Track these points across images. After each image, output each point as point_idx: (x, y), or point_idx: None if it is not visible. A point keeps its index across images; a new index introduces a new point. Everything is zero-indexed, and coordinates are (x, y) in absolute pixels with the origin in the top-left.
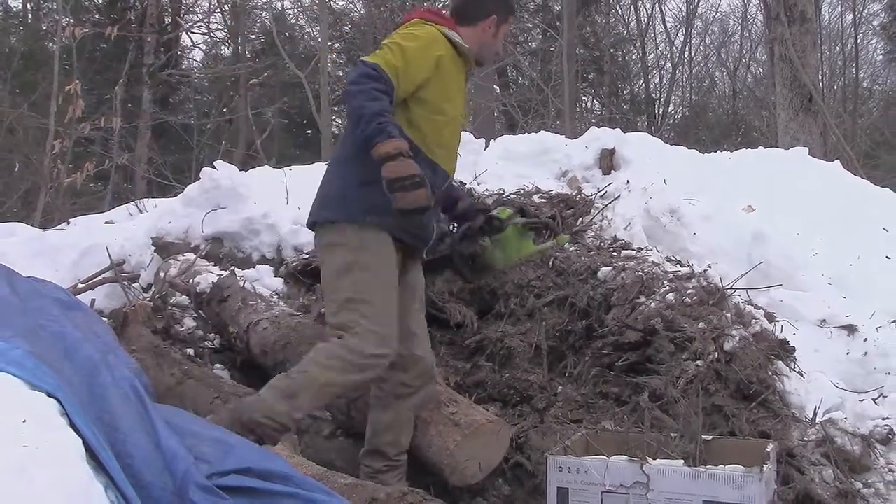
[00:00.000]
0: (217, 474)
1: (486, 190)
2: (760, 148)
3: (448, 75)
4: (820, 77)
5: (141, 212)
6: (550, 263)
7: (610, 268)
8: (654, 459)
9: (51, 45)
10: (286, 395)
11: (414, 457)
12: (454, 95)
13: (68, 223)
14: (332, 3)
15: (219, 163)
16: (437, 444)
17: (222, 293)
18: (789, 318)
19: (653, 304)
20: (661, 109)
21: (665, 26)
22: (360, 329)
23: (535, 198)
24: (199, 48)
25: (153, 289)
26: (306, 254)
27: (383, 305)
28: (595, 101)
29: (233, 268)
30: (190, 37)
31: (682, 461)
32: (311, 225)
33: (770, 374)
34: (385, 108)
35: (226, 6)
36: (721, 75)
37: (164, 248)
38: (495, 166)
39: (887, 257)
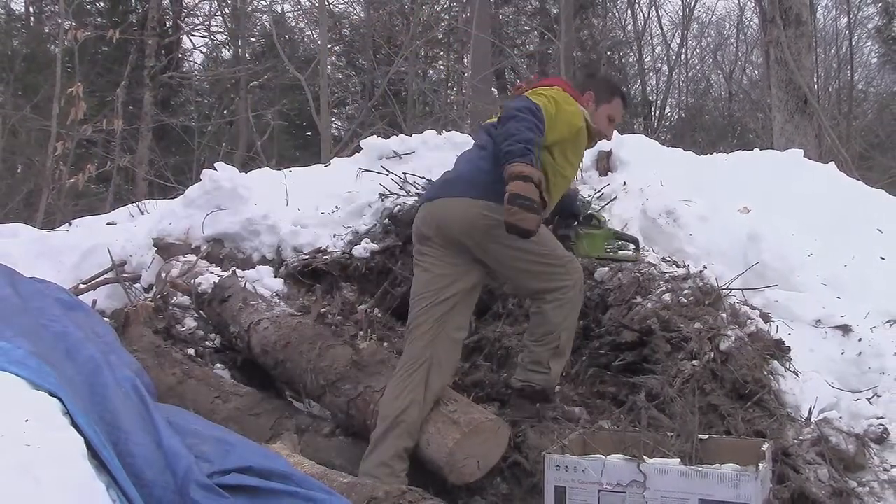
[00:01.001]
0: (218, 473)
1: None
2: (756, 150)
3: (580, 146)
4: (815, 80)
5: (142, 213)
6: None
7: (607, 268)
8: (651, 458)
9: (53, 47)
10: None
11: (412, 455)
12: (575, 163)
13: (70, 224)
14: (331, 6)
15: (219, 164)
16: (436, 443)
17: (223, 293)
18: (784, 318)
19: (649, 305)
20: (657, 112)
21: (661, 29)
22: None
23: None
24: (200, 51)
25: (154, 289)
26: (306, 254)
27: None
28: None
29: (233, 268)
30: (191, 40)
31: (679, 460)
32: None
33: (765, 373)
34: (536, 141)
35: (226, 9)
36: (717, 78)
37: (165, 249)
38: None
39: (881, 258)
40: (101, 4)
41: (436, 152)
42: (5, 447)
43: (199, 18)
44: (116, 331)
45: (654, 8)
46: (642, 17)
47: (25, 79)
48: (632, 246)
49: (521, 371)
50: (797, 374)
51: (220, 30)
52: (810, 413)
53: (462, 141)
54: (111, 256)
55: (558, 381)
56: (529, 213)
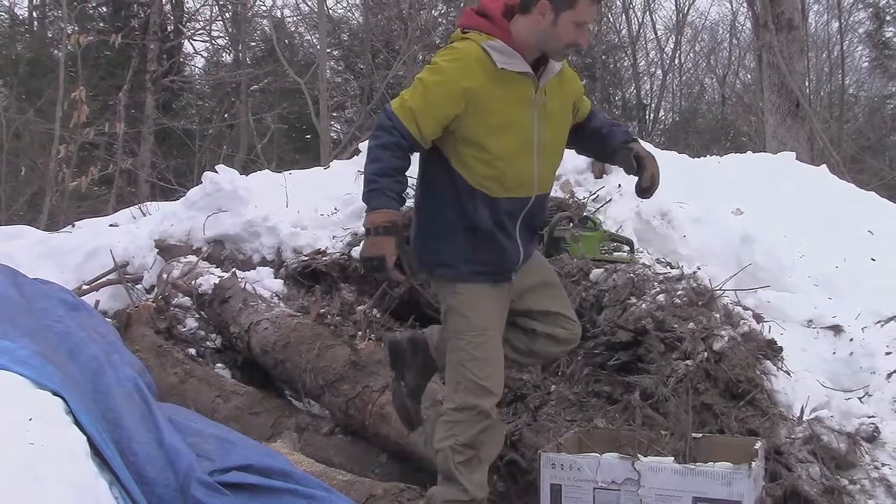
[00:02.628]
0: (219, 471)
1: None
2: (749, 153)
3: (487, 103)
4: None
5: (144, 215)
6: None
7: (602, 270)
8: (645, 457)
9: (56, 52)
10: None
11: (410, 453)
12: (505, 122)
13: (73, 226)
14: (330, 11)
15: (220, 167)
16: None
17: (224, 294)
18: (777, 318)
19: (643, 305)
20: (651, 115)
21: (656, 34)
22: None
23: None
24: (201, 55)
25: (156, 290)
26: (305, 256)
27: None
28: None
29: (234, 269)
30: (192, 44)
31: (673, 458)
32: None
33: (758, 373)
34: (382, 168)
35: (227, 14)
36: (710, 82)
37: (166, 251)
38: None
39: (872, 259)
40: (104, 9)
41: None
42: (9, 445)
43: (201, 23)
44: (119, 331)
45: (648, 13)
46: (637, 22)
47: (29, 83)
48: (626, 247)
49: None
50: (789, 374)
51: (221, 34)
52: (802, 412)
53: None
54: (113, 258)
55: None
56: (374, 272)
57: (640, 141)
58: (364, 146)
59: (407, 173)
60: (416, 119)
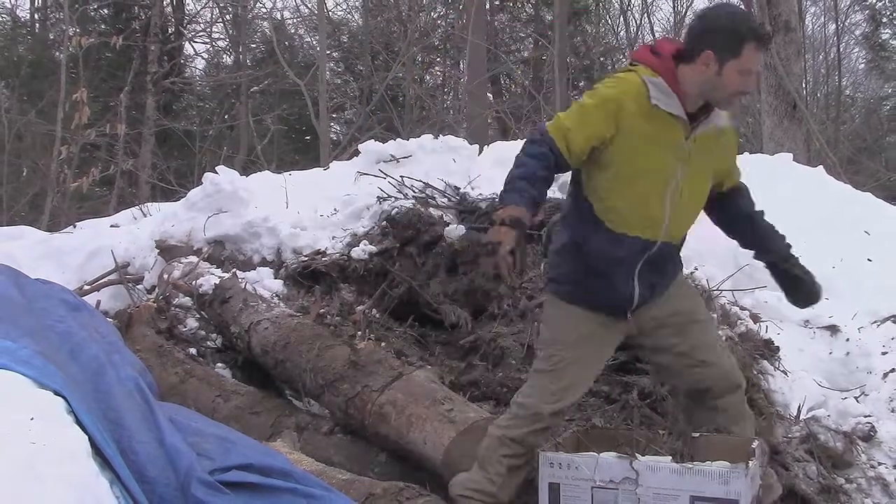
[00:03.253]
0: (219, 470)
1: (480, 194)
2: (746, 153)
3: (633, 135)
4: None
5: (145, 216)
6: (542, 266)
7: None
8: (643, 456)
9: (58, 54)
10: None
11: (409, 452)
12: (645, 159)
13: (74, 227)
14: (330, 13)
15: (220, 168)
16: (433, 441)
17: (224, 294)
18: (774, 318)
19: None
20: None
21: (654, 36)
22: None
23: None
24: (202, 57)
25: (157, 290)
26: (305, 256)
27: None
28: None
29: (234, 270)
30: (192, 46)
31: (670, 457)
32: None
33: (755, 373)
34: (524, 173)
35: (227, 16)
36: None
37: (167, 251)
38: (489, 171)
39: (869, 260)
40: (105, 12)
41: (432, 156)
42: (11, 445)
43: (201, 25)
44: (120, 331)
45: (646, 14)
46: (634, 24)
47: (31, 84)
48: None
49: None
50: (786, 374)
51: (222, 36)
52: (799, 411)
53: (458, 145)
54: (114, 258)
55: None
56: (485, 257)
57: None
58: (363, 147)
59: (548, 189)
60: (567, 136)
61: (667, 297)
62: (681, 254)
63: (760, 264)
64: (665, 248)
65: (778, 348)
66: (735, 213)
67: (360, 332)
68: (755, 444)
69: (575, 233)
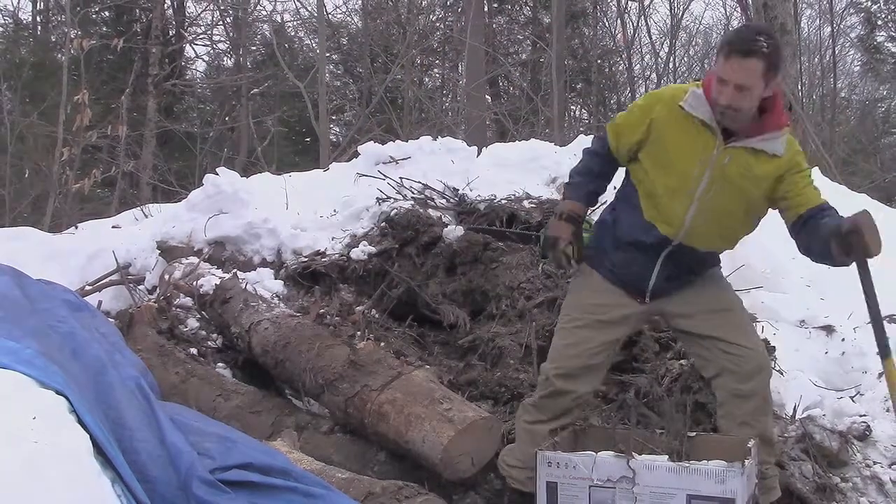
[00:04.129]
0: (220, 469)
1: (479, 196)
2: None
3: (663, 137)
4: (799, 87)
5: (146, 217)
6: (540, 267)
7: None
8: (640, 455)
9: (59, 56)
10: None
11: (408, 451)
12: (671, 161)
13: (76, 228)
14: (330, 16)
15: (221, 169)
16: (431, 440)
17: (225, 295)
18: (770, 318)
19: None
20: None
21: (650, 38)
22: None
23: (526, 203)
24: (202, 59)
25: (158, 291)
26: (305, 257)
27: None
28: (583, 111)
29: (235, 270)
30: (193, 48)
31: (667, 457)
32: None
33: None
34: (582, 168)
35: (228, 19)
36: None
37: (168, 252)
38: (487, 173)
39: None
40: (106, 14)
41: (431, 157)
42: (14, 444)
43: (202, 28)
44: (121, 331)
45: (643, 17)
46: (631, 27)
47: (33, 86)
48: None
49: None
50: (782, 374)
51: (222, 39)
52: (795, 411)
53: (456, 146)
54: (116, 259)
55: None
56: (547, 249)
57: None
58: (363, 149)
59: (607, 182)
60: (616, 132)
61: (698, 288)
62: (717, 263)
63: (756, 265)
64: (686, 251)
65: (774, 348)
66: (809, 230)
67: (359, 332)
68: (751, 443)
69: (617, 210)
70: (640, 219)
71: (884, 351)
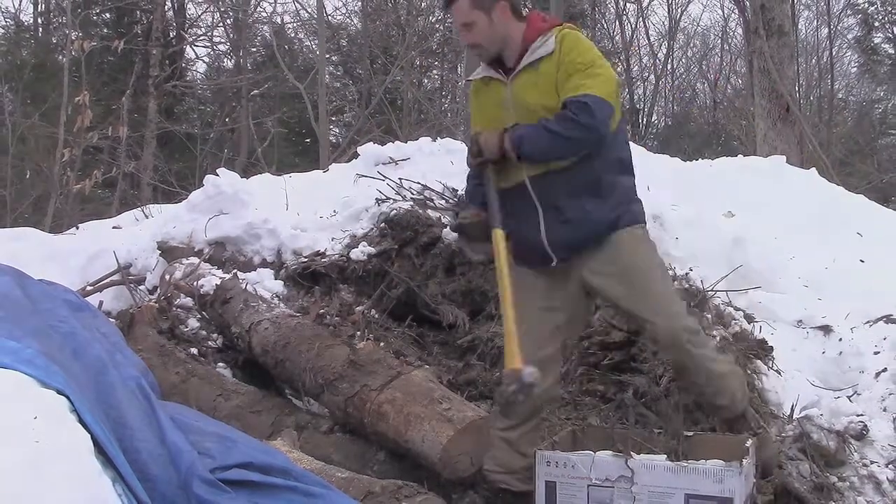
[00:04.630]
0: (220, 468)
1: None
2: (740, 156)
3: (481, 102)
4: (797, 88)
5: (147, 217)
6: None
7: None
8: (638, 454)
9: (60, 57)
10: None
11: (407, 451)
12: (490, 123)
13: (77, 228)
14: (329, 17)
15: (221, 170)
16: (431, 439)
17: (225, 295)
18: (767, 318)
19: None
20: (645, 119)
21: (649, 40)
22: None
23: None
24: (203, 61)
25: (158, 291)
26: (305, 257)
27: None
28: None
29: (235, 271)
30: (194, 50)
31: (665, 456)
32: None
33: (749, 372)
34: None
35: (228, 21)
36: (702, 87)
37: (169, 252)
38: None
39: (861, 261)
40: (107, 16)
41: (430, 158)
42: (15, 443)
43: (202, 29)
44: (122, 331)
45: (641, 19)
46: (630, 28)
47: (34, 88)
48: None
49: None
50: (780, 373)
51: (222, 40)
52: (792, 410)
53: (455, 147)
54: (117, 259)
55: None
56: None
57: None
58: (362, 150)
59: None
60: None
61: (607, 250)
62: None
63: (754, 265)
64: (548, 183)
65: (772, 348)
66: None
67: (359, 332)
68: (749, 442)
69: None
70: (496, 190)
71: (494, 221)
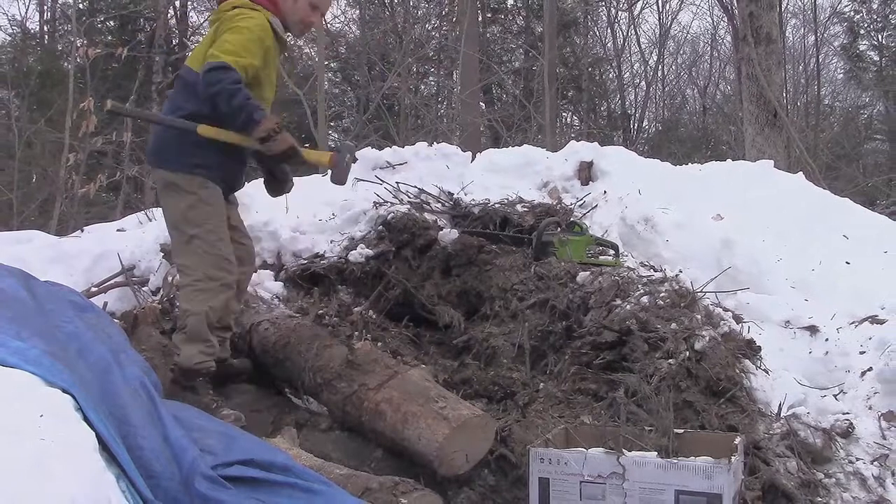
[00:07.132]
0: (221, 465)
1: (473, 200)
2: (729, 161)
3: (270, 65)
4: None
5: (150, 220)
6: (532, 269)
7: (588, 272)
8: (630, 451)
9: (66, 64)
10: (191, 341)
11: (404, 448)
12: (273, 81)
13: (82, 231)
14: (328, 25)
15: None
16: (427, 437)
17: None
18: (755, 319)
19: (628, 307)
20: (635, 125)
21: (640, 47)
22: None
23: (519, 207)
24: None
25: (161, 292)
26: (304, 259)
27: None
28: (574, 117)
29: None
30: None
31: (656, 453)
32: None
33: (738, 371)
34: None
35: None
36: (692, 93)
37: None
38: (481, 178)
39: (847, 263)
40: (111, 24)
41: (427, 163)
42: (21, 441)
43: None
44: (126, 331)
45: (632, 27)
46: (621, 36)
47: (40, 94)
48: (612, 251)
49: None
50: (767, 372)
51: None
52: (780, 409)
53: (451, 152)
54: (121, 261)
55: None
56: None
57: None
58: (361, 154)
59: None
60: (245, 70)
61: None
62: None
63: (743, 267)
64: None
65: (760, 348)
66: None
67: (357, 333)
68: (738, 439)
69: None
70: None
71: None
